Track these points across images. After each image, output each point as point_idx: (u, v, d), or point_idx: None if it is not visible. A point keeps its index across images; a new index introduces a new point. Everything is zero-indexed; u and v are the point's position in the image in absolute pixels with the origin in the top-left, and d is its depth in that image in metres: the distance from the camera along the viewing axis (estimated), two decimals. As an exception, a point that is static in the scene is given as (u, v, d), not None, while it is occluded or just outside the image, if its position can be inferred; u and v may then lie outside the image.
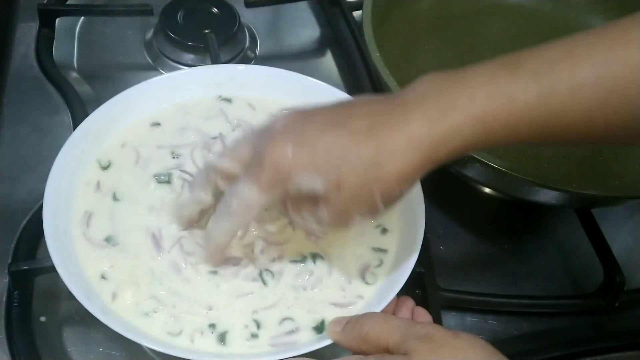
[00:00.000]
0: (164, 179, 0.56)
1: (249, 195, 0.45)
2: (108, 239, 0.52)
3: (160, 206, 0.55)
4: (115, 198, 0.55)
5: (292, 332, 0.49)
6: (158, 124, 0.60)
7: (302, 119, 0.45)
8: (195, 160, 0.58)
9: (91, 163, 0.56)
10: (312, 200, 0.45)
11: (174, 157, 0.58)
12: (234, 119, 0.61)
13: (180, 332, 0.48)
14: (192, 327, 0.48)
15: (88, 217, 0.53)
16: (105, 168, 0.56)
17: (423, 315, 0.50)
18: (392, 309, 0.50)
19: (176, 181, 0.56)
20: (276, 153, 0.43)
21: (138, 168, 0.57)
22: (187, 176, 0.57)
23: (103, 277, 0.50)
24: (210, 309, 0.49)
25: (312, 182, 0.43)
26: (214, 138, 0.60)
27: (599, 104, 0.40)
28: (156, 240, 0.52)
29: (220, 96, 0.63)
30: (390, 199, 0.44)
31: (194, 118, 0.61)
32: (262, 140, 0.45)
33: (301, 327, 0.49)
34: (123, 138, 0.59)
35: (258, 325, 0.49)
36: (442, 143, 0.41)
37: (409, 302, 0.51)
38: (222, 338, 0.48)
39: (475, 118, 0.41)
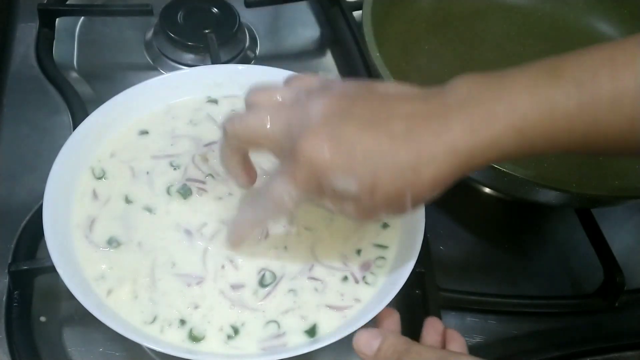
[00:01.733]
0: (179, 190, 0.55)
1: (284, 191, 0.44)
2: (110, 241, 0.52)
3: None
4: (127, 201, 0.54)
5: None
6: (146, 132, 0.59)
7: (339, 112, 0.43)
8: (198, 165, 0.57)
9: (86, 170, 0.56)
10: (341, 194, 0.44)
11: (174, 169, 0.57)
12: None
13: (182, 331, 0.48)
14: (192, 326, 0.48)
15: (92, 220, 0.53)
16: (99, 178, 0.56)
17: (456, 338, 0.48)
18: (383, 319, 0.49)
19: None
20: (313, 151, 0.42)
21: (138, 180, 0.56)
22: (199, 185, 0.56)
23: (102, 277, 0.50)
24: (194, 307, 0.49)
25: (346, 184, 0.42)
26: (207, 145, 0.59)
27: None
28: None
29: (209, 97, 0.62)
30: (419, 202, 0.44)
31: (182, 123, 0.60)
32: (295, 123, 0.44)
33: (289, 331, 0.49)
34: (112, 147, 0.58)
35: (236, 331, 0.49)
36: (480, 153, 0.41)
37: (438, 325, 0.49)
38: (230, 337, 0.48)
39: (515, 128, 0.40)
